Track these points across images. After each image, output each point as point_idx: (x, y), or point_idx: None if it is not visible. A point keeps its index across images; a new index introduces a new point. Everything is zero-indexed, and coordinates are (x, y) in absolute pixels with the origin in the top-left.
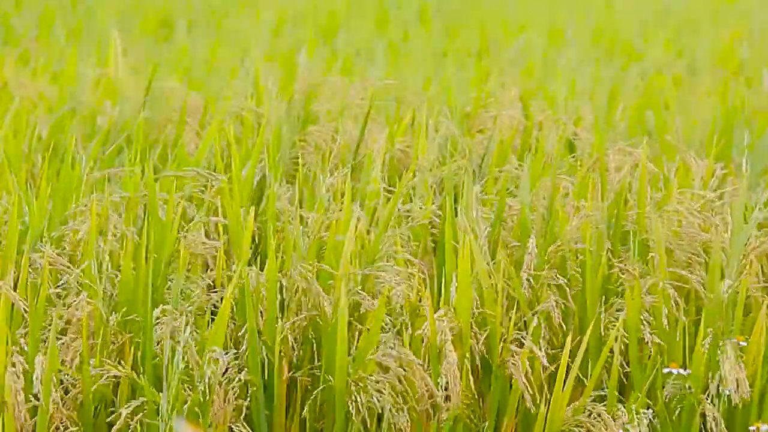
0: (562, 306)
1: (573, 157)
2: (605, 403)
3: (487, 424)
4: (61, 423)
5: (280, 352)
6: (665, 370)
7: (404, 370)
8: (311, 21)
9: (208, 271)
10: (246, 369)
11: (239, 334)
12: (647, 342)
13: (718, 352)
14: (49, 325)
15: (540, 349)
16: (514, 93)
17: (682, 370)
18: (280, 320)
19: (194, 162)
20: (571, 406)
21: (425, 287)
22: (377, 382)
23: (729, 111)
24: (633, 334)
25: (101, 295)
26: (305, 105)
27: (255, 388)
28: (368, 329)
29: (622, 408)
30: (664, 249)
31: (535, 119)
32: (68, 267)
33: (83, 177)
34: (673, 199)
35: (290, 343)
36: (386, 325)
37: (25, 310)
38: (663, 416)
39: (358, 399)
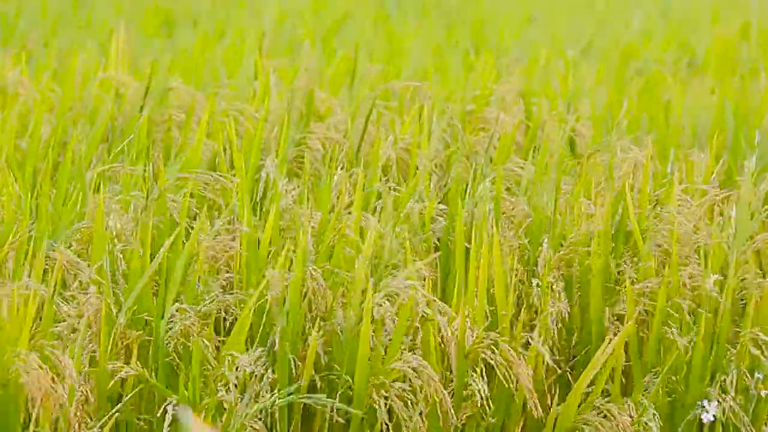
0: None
1: (575, 155)
2: (608, 399)
3: (494, 420)
4: (82, 420)
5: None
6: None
7: (422, 381)
8: (311, 18)
9: (224, 273)
10: (272, 369)
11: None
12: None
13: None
14: (64, 321)
15: (546, 351)
16: (515, 90)
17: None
18: (311, 328)
19: (195, 157)
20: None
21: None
22: (399, 388)
23: (731, 107)
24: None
25: (110, 293)
26: (308, 101)
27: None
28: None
29: (630, 403)
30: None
31: (537, 116)
32: (79, 265)
33: (87, 176)
34: (675, 197)
35: (318, 351)
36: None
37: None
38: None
39: (379, 403)
